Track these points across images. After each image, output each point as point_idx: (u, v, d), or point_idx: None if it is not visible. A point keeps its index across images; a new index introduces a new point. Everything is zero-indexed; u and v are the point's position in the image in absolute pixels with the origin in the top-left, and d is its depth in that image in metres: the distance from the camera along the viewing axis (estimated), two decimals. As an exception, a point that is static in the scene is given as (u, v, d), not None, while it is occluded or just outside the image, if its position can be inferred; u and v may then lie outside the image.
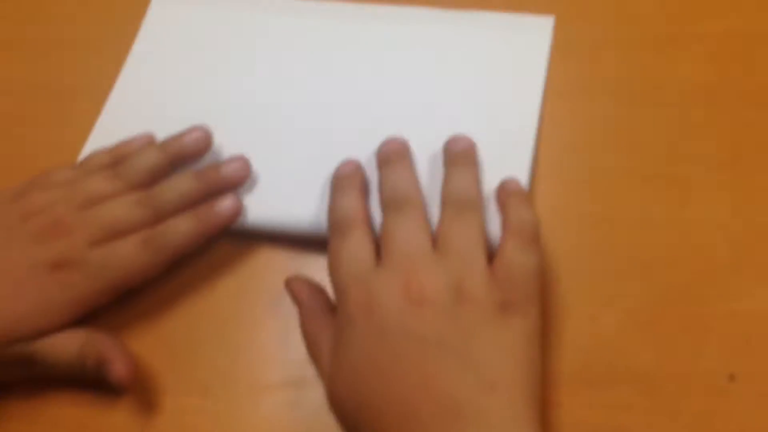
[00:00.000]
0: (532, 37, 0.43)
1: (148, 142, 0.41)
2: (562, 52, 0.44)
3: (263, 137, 0.42)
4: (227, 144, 0.41)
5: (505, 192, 0.37)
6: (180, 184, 0.39)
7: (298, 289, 0.37)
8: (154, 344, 0.38)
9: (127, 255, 0.37)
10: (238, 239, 0.40)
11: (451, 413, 0.30)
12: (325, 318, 0.36)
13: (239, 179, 0.40)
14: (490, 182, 0.38)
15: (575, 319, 0.37)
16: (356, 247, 0.35)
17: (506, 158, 0.39)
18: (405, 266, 0.33)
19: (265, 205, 0.40)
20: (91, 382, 0.36)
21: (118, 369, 0.34)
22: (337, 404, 0.33)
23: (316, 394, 0.36)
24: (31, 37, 0.49)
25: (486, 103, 0.41)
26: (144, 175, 0.39)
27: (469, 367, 0.31)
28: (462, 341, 0.32)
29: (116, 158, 0.41)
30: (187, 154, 0.40)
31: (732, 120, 0.41)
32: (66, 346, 0.35)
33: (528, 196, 0.38)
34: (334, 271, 0.35)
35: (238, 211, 0.39)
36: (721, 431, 0.34)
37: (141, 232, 0.38)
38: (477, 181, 0.37)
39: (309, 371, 0.36)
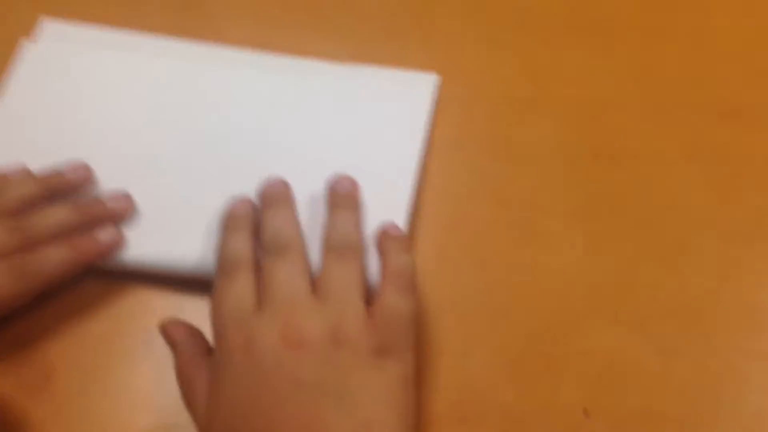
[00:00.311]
0: (417, 92, 0.46)
1: (22, 171, 0.40)
2: (441, 108, 0.47)
3: (146, 175, 0.41)
4: (106, 181, 0.41)
5: (385, 236, 0.38)
6: (56, 213, 0.38)
7: (173, 331, 0.37)
8: (16, 384, 0.36)
9: None
10: (111, 277, 0.39)
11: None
12: (202, 361, 0.36)
13: (122, 213, 0.39)
14: (370, 225, 0.39)
15: (448, 357, 0.39)
16: (240, 290, 0.35)
17: (386, 203, 0.40)
18: (284, 310, 0.34)
19: (146, 242, 0.39)
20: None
21: None
22: None
23: (190, 439, 0.35)
24: None
25: (369, 150, 0.43)
26: (18, 203, 0.38)
27: (345, 408, 0.32)
28: (339, 383, 0.32)
29: None
30: (65, 187, 0.39)
31: (585, 175, 0.45)
32: None
33: (406, 240, 0.39)
34: (215, 311, 0.35)
35: (118, 242, 0.38)
36: (577, 462, 0.37)
37: (9, 258, 0.36)
38: (359, 225, 0.38)
39: (183, 416, 0.35)
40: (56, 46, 0.46)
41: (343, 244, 0.37)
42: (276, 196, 0.39)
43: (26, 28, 0.47)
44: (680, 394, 0.38)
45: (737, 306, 0.41)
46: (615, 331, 0.40)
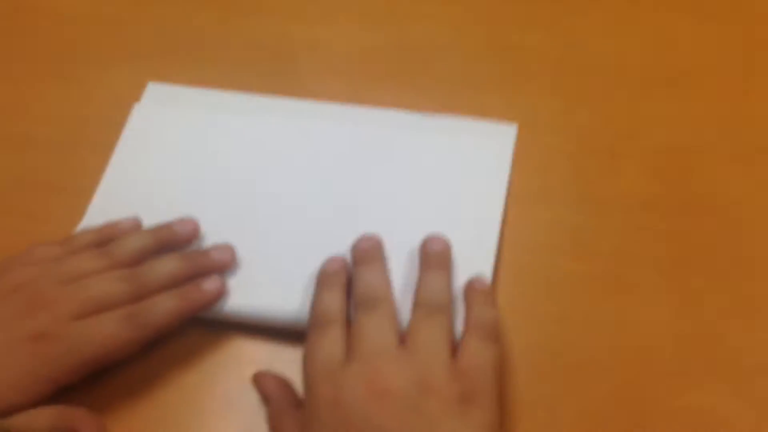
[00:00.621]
0: (497, 142, 0.47)
1: (135, 224, 0.43)
2: (521, 158, 0.47)
3: (244, 229, 0.43)
4: (211, 235, 0.43)
5: (472, 289, 0.39)
6: (167, 264, 0.40)
7: (266, 384, 0.39)
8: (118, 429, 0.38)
9: (108, 330, 0.37)
10: (207, 327, 0.41)
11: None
12: (292, 413, 0.37)
13: (225, 264, 0.41)
14: (456, 278, 0.40)
15: (533, 413, 0.39)
16: (331, 344, 0.36)
17: (472, 258, 0.41)
18: (371, 363, 0.35)
19: (245, 294, 0.41)
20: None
21: None
22: None
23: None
24: (12, 133, 0.50)
25: (454, 204, 0.44)
26: (132, 254, 0.40)
27: None
28: (425, 431, 0.33)
29: (102, 237, 0.42)
30: (176, 240, 0.42)
31: (673, 226, 0.44)
32: (39, 421, 0.35)
33: (492, 293, 0.40)
34: (307, 364, 0.36)
35: (222, 292, 0.40)
36: None
37: (123, 308, 0.38)
38: (449, 284, 0.39)
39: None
40: (162, 108, 0.49)
41: (432, 301, 0.38)
42: (368, 253, 0.40)
43: (136, 94, 0.50)
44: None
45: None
46: (706, 388, 0.39)
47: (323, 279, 0.40)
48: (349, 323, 0.38)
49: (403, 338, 0.36)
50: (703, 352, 0.40)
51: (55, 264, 0.39)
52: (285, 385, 0.38)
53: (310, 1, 0.55)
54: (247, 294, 0.41)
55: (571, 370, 0.40)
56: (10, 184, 0.47)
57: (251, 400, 0.39)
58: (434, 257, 0.40)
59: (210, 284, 0.40)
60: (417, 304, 0.38)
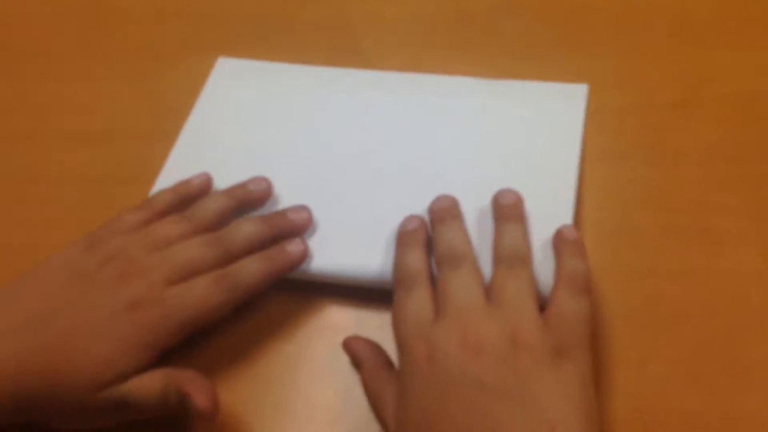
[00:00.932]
0: (569, 103, 0.46)
1: (207, 179, 0.44)
2: (593, 118, 0.47)
3: (322, 193, 0.44)
4: (286, 196, 0.44)
5: (560, 239, 0.39)
6: (248, 227, 0.41)
7: (357, 348, 0.39)
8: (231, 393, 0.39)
9: (202, 293, 0.38)
10: (292, 291, 0.42)
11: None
12: (386, 374, 0.38)
13: (304, 225, 0.42)
14: (536, 238, 0.40)
15: (625, 367, 0.39)
16: (419, 303, 0.37)
17: (550, 215, 0.41)
18: (461, 318, 0.35)
19: (329, 254, 0.42)
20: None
21: (201, 401, 0.35)
22: None
23: (380, 451, 0.37)
24: (92, 129, 0.51)
25: (528, 164, 0.44)
26: (212, 217, 0.41)
27: (530, 411, 0.32)
28: (520, 386, 0.33)
29: (180, 197, 0.43)
30: (251, 200, 0.43)
31: (750, 172, 0.44)
32: (150, 386, 0.36)
33: (581, 244, 0.39)
34: (397, 324, 0.37)
35: (306, 253, 0.41)
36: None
37: (213, 272, 0.39)
38: (526, 235, 0.40)
39: (373, 428, 0.38)
40: (234, 77, 0.50)
41: (512, 254, 0.38)
42: (446, 212, 0.41)
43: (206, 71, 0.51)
44: None
45: None
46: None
47: (403, 238, 0.40)
48: (433, 281, 0.38)
49: (488, 292, 0.37)
50: (796, 297, 0.40)
51: (142, 232, 0.40)
52: (376, 347, 0.39)
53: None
54: (331, 254, 0.42)
55: (661, 325, 0.40)
56: (93, 178, 0.49)
57: (343, 365, 0.40)
58: (507, 209, 0.41)
59: (294, 246, 0.41)
60: (497, 258, 0.38)
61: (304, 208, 0.43)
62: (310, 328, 0.42)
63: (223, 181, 0.44)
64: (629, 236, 0.43)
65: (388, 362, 0.38)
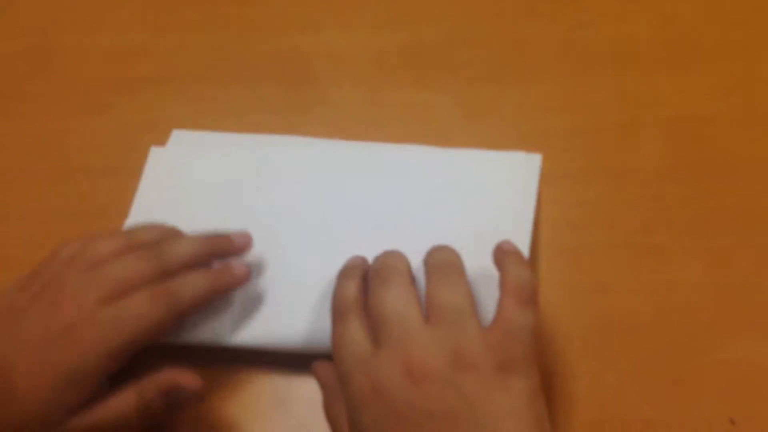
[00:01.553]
0: (522, 173, 0.45)
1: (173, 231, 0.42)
2: (544, 140, 0.48)
3: (265, 257, 0.43)
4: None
5: (502, 252, 0.37)
6: (188, 244, 0.40)
7: (322, 373, 0.39)
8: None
9: (139, 309, 0.36)
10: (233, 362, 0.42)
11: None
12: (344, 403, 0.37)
13: (243, 250, 0.42)
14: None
15: (581, 381, 0.40)
16: (354, 332, 0.36)
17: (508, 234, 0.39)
18: (401, 344, 0.34)
19: (259, 323, 0.41)
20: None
21: (188, 382, 0.35)
22: None
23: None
24: (52, 166, 0.51)
25: (478, 232, 0.42)
26: (180, 263, 0.39)
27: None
28: (470, 409, 0.32)
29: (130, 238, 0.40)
30: (231, 253, 0.41)
31: (692, 191, 0.46)
32: (124, 403, 0.35)
33: (522, 256, 0.38)
34: (337, 357, 0.36)
35: (248, 275, 0.40)
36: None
37: (149, 287, 0.37)
38: (456, 252, 0.38)
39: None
40: (178, 149, 0.49)
41: (444, 262, 0.37)
42: (388, 254, 0.39)
43: (163, 116, 0.52)
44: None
45: None
46: (749, 338, 0.40)
47: (342, 272, 0.39)
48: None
49: (425, 306, 0.35)
50: (741, 305, 0.41)
51: (78, 255, 0.38)
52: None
53: (321, 10, 0.56)
54: (261, 324, 0.41)
55: (615, 338, 0.41)
56: (53, 215, 0.48)
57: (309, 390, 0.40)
58: (439, 246, 0.39)
59: (239, 268, 0.40)
60: (429, 270, 0.37)
61: (245, 235, 0.42)
62: (252, 379, 0.42)
63: None
64: (580, 254, 0.44)
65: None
